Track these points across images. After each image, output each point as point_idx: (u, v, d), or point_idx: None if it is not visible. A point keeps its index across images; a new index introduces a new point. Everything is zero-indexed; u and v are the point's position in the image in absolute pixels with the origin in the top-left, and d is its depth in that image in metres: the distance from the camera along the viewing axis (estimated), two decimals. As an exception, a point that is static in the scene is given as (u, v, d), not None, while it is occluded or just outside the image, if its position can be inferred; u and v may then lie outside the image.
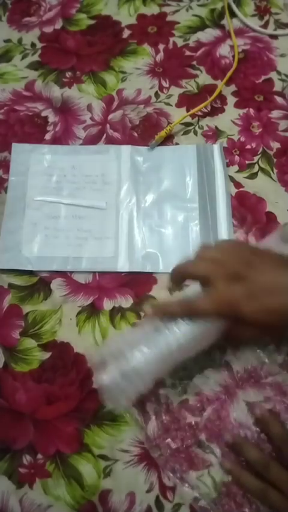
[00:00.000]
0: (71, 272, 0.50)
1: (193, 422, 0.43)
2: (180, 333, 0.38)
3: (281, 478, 0.39)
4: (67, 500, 0.42)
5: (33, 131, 0.58)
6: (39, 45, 0.64)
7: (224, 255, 0.39)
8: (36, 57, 0.63)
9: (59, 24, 0.65)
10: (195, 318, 0.38)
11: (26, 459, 0.43)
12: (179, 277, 0.41)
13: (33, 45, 0.64)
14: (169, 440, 0.43)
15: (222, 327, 0.39)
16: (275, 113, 0.58)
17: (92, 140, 0.57)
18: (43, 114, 0.59)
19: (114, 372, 0.38)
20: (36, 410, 0.45)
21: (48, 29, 0.65)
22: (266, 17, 0.65)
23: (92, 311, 0.49)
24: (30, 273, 0.50)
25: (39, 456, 0.43)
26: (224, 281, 0.37)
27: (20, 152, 0.56)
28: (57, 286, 0.50)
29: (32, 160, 0.56)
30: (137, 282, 0.50)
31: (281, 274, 0.38)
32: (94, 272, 0.50)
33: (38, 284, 0.50)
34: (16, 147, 0.56)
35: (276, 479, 0.39)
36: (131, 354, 0.38)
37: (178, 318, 0.38)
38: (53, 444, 0.43)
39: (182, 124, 0.57)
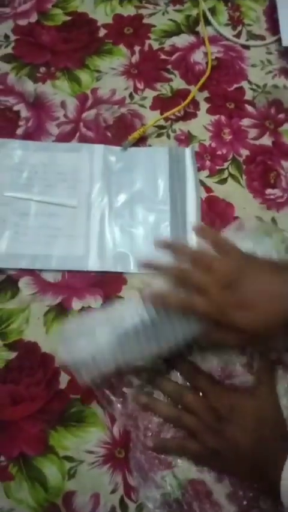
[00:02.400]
0: (40, 270, 0.50)
1: (158, 423, 0.44)
2: (150, 320, 0.39)
3: (194, 402, 0.41)
4: (30, 503, 0.41)
5: (4, 125, 0.56)
6: (12, 37, 0.62)
7: (217, 263, 0.39)
8: (9, 50, 0.61)
9: (34, 18, 0.64)
10: (186, 314, 0.39)
11: (-12, 462, 0.42)
12: (162, 273, 0.41)
13: (6, 37, 0.62)
14: (134, 440, 0.43)
15: (199, 329, 0.40)
16: (245, 122, 0.60)
17: (65, 137, 0.56)
18: (15, 108, 0.58)
19: (78, 347, 0.39)
20: (0, 411, 0.43)
21: (23, 22, 0.63)
22: (239, 28, 0.67)
23: (60, 311, 0.48)
24: (-3, 270, 0.49)
25: (2, 458, 0.42)
26: (217, 289, 0.38)
27: (-10, 146, 0.55)
28: (25, 285, 0.49)
29: (2, 155, 0.54)
30: (107, 282, 0.50)
31: (272, 282, 0.38)
32: (63, 271, 0.50)
33: (5, 282, 0.49)
34: (-15, 141, 0.55)
35: (189, 403, 0.41)
36: (98, 331, 0.39)
37: (171, 309, 0.39)
38: (16, 446, 0.43)
39: (155, 126, 0.58)
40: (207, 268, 0.39)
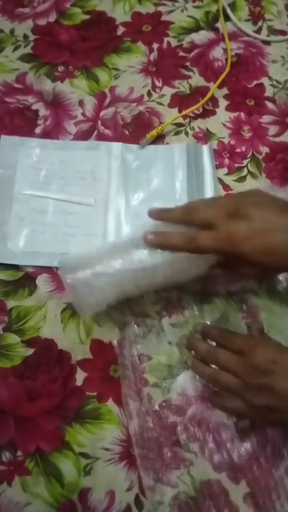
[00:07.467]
0: (57, 268, 0.50)
1: (175, 422, 0.44)
2: (159, 254, 0.39)
3: (232, 361, 0.40)
4: (46, 498, 0.42)
5: (23, 124, 0.57)
6: (32, 37, 0.63)
7: (226, 198, 0.40)
8: (28, 50, 0.62)
9: (52, 17, 0.64)
10: (195, 253, 0.38)
11: (6, 456, 0.43)
12: (173, 220, 0.41)
13: (25, 37, 0.63)
14: (150, 438, 0.43)
15: (209, 263, 0.40)
16: (265, 118, 0.59)
17: (82, 136, 0.57)
18: (34, 107, 0.58)
19: (81, 274, 0.39)
20: (17, 407, 0.44)
21: (42, 22, 0.64)
22: (260, 23, 0.66)
23: (77, 308, 0.48)
24: (16, 267, 0.50)
25: (19, 453, 0.43)
26: (225, 219, 0.37)
27: (9, 145, 0.55)
28: (43, 282, 0.49)
29: (21, 153, 0.55)
30: (124, 281, 0.50)
31: (284, 217, 0.37)
32: (81, 269, 0.50)
33: (23, 279, 0.49)
34: (5, 140, 0.55)
35: (227, 363, 0.40)
36: (104, 260, 0.40)
37: (178, 250, 0.38)
38: (33, 442, 0.43)
39: (173, 124, 0.57)
40: (214, 205, 0.39)
